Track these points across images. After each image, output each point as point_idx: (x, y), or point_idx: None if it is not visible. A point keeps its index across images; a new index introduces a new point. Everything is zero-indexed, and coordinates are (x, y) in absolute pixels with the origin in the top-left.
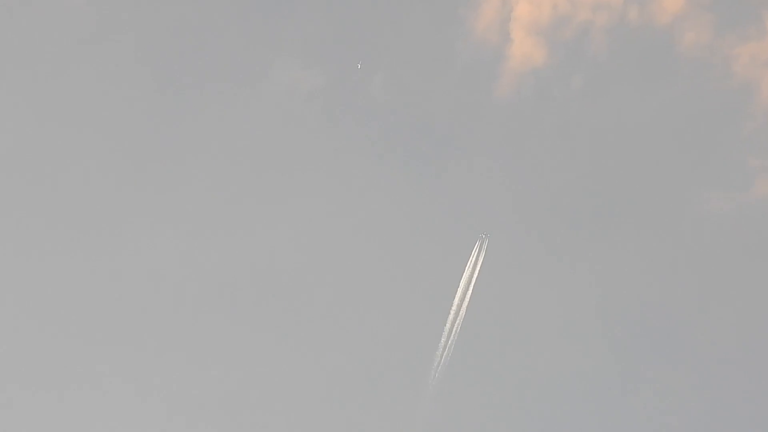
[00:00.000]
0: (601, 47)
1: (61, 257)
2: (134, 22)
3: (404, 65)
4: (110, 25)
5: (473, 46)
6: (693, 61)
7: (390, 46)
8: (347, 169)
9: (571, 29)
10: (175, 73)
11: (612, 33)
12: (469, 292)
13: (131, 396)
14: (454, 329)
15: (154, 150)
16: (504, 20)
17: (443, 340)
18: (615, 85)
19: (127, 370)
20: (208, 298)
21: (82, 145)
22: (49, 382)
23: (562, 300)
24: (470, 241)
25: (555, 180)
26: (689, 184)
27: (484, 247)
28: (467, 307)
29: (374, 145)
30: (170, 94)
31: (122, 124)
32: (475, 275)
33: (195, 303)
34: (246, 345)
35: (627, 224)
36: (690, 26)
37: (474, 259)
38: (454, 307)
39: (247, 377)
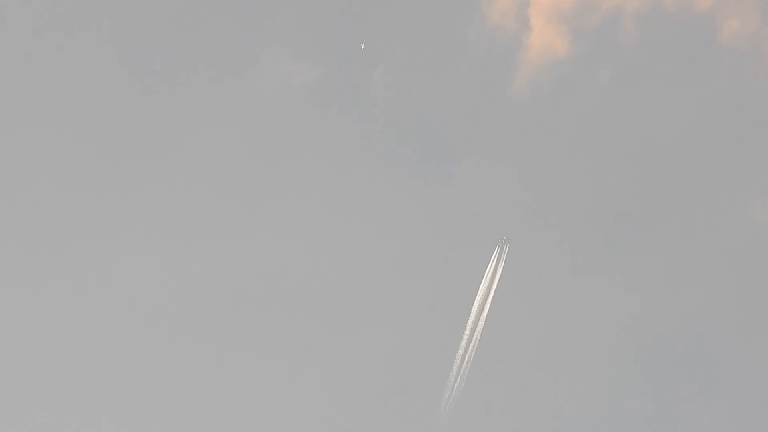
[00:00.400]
0: (631, 36)
1: (39, 266)
2: (110, 8)
3: (409, 56)
4: (87, 12)
5: (487, 35)
6: (736, 52)
7: (393, 34)
8: (346, 172)
9: (597, 16)
10: (155, 68)
11: (644, 20)
12: (487, 306)
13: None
14: (469, 351)
15: (134, 150)
16: (522, 6)
17: (457, 362)
18: (647, 79)
19: (120, 384)
20: (200, 314)
21: (57, 145)
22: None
23: (592, 318)
24: (488, 248)
25: (581, 183)
26: (731, 189)
27: (505, 253)
28: (484, 324)
29: (376, 144)
30: (148, 90)
31: (100, 122)
32: (494, 287)
33: (188, 319)
34: (247, 366)
35: (662, 234)
36: (733, 12)
37: (492, 267)
38: (469, 325)
39: (250, 400)
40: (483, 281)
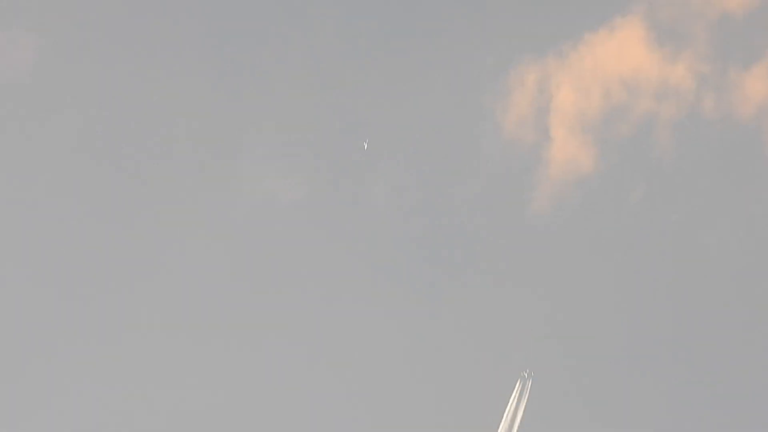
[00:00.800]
0: (667, 148)
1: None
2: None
3: (414, 171)
4: (53, 106)
5: (502, 147)
6: None
7: (395, 147)
8: (344, 300)
9: (628, 124)
10: (119, 184)
11: (681, 129)
12: None
13: None
14: None
15: (102, 277)
16: (541, 112)
17: None
18: (685, 196)
19: None
20: None
21: (23, 267)
22: None
23: None
24: (508, 383)
25: (612, 313)
26: None
27: (527, 389)
28: None
29: (379, 270)
30: (115, 210)
31: (63, 247)
32: (515, 430)
33: None
34: None
35: (709, 378)
36: None
37: (513, 406)
38: None
39: None
40: (502, 423)
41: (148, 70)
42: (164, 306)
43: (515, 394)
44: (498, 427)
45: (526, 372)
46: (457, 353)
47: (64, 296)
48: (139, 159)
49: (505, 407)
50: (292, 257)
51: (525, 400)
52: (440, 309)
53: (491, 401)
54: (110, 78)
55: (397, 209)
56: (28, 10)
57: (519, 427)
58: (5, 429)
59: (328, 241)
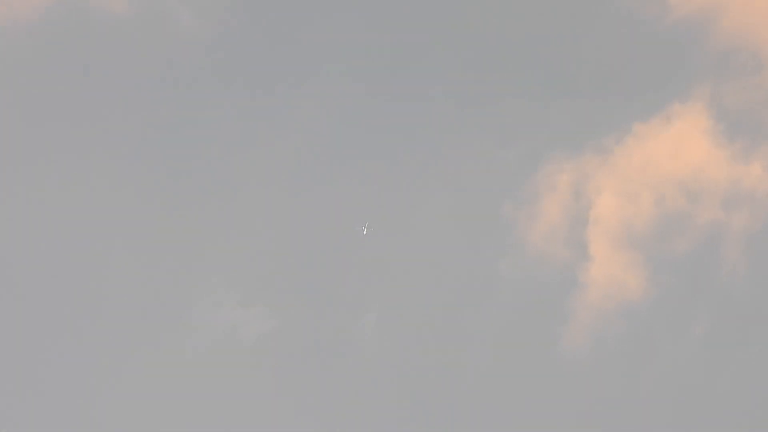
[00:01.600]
0: (738, 267)
1: None
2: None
3: (414, 297)
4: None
5: (527, 267)
6: None
7: (392, 264)
8: None
9: (687, 237)
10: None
11: (756, 243)
12: None
13: None
14: None
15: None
16: (577, 224)
17: None
18: (763, 328)
19: None
20: None
21: None
22: None
23: None
24: None
25: None
26: None
27: None
28: None
29: (368, 425)
30: (57, 340)
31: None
32: None
33: None
34: None
35: None
36: None
37: None
38: None
39: None
40: None
41: (97, 192)
42: None
43: None
44: None
45: None
46: None
47: None
48: (86, 288)
49: None
50: (262, 401)
51: None
52: None
53: None
54: (60, 206)
55: (393, 346)
56: None
57: None
58: None
59: (301, 387)
